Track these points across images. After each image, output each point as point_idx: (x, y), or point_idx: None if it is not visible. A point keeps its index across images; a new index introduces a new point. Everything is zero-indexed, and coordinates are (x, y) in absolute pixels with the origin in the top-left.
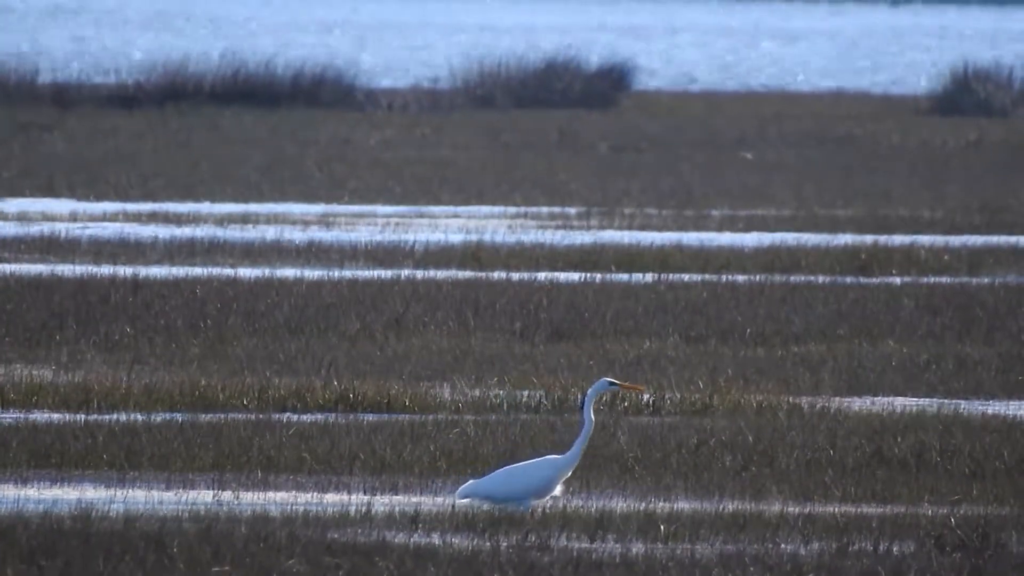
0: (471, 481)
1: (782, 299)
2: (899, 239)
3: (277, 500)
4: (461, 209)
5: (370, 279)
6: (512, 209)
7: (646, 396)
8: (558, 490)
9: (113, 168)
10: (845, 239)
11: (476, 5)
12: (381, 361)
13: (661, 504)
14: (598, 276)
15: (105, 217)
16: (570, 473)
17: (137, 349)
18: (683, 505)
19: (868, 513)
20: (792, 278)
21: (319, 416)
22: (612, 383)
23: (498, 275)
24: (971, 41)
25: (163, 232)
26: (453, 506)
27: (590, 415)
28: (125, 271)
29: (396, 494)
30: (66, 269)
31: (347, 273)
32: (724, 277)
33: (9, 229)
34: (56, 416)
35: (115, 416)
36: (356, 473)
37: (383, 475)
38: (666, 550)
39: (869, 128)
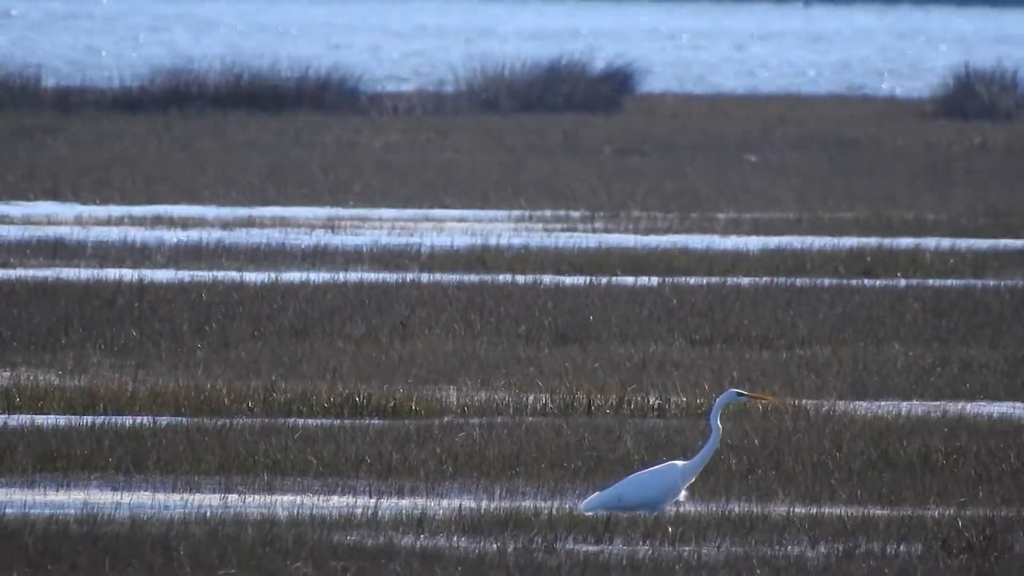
0: (596, 494)
1: (787, 302)
2: (904, 242)
3: (283, 503)
4: (466, 212)
5: (375, 283)
6: (517, 212)
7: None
8: (683, 495)
9: (117, 172)
10: (850, 242)
11: (478, 8)
12: (387, 365)
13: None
14: (603, 279)
15: (110, 221)
16: (694, 478)
17: (143, 353)
18: (689, 507)
19: (874, 515)
20: (797, 281)
21: (325, 420)
22: (740, 394)
23: (503, 279)
24: (973, 43)
25: (168, 236)
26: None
27: (717, 423)
28: (130, 275)
29: (402, 497)
30: (71, 273)
31: (352, 276)
32: (729, 280)
33: (14, 233)
34: (62, 419)
35: (121, 420)
36: (362, 476)
37: (389, 478)
38: (673, 552)
39: (873, 131)
